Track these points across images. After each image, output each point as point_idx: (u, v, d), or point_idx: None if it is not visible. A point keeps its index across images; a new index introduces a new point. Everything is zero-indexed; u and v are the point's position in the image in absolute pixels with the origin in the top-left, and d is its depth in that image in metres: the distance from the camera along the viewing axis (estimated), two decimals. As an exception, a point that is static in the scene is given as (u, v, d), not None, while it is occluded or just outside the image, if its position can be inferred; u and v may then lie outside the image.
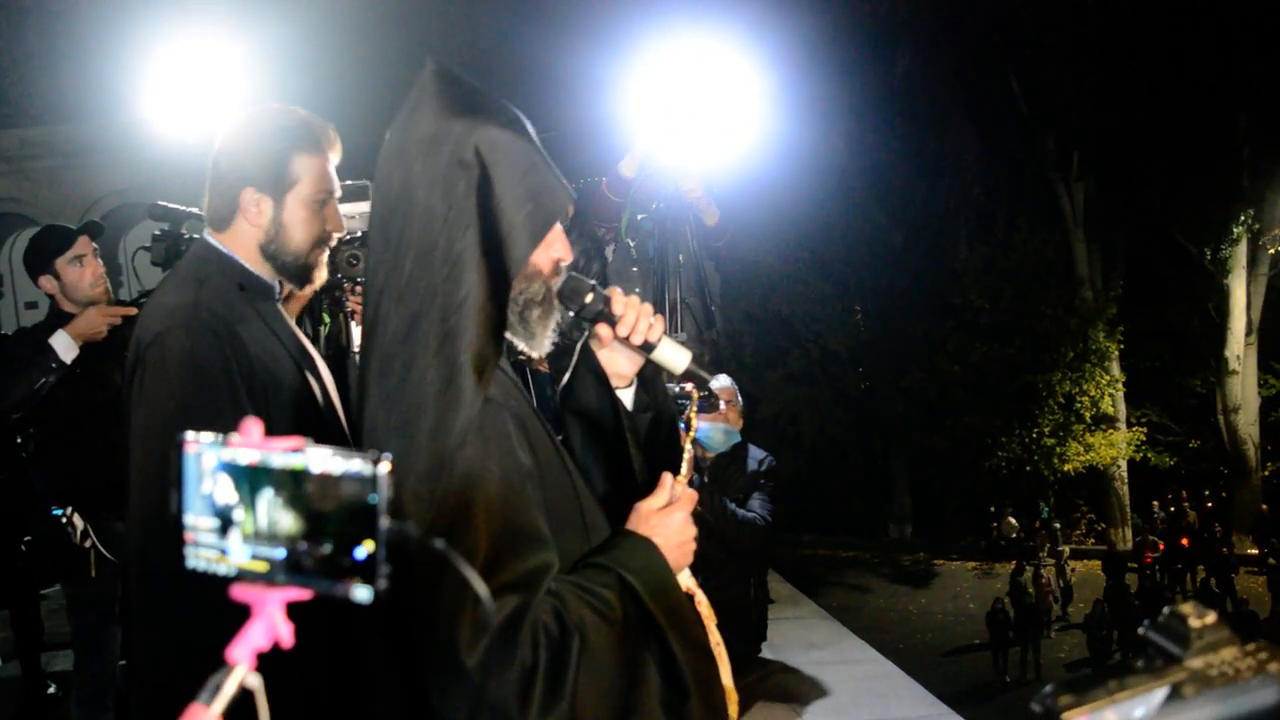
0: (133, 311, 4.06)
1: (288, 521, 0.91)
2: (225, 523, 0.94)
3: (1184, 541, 18.44)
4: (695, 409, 3.94)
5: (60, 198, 18.61)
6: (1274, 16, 17.53)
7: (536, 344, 1.86)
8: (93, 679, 4.26)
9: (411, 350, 1.64)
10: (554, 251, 1.84)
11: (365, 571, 0.89)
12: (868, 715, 4.19)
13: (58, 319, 4.15)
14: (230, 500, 0.93)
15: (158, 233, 3.52)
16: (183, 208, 3.53)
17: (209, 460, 0.95)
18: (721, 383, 4.64)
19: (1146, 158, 19.42)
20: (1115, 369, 21.33)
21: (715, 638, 1.90)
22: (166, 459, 2.22)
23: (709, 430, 4.53)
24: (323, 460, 0.90)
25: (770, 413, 20.59)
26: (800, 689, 4.44)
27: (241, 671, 0.92)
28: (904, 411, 21.94)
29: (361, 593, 0.89)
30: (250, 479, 0.93)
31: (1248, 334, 20.63)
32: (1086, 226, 21.30)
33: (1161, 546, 18.13)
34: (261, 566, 0.92)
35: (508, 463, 1.65)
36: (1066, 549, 18.65)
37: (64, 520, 3.94)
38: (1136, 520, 21.06)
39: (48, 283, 4.28)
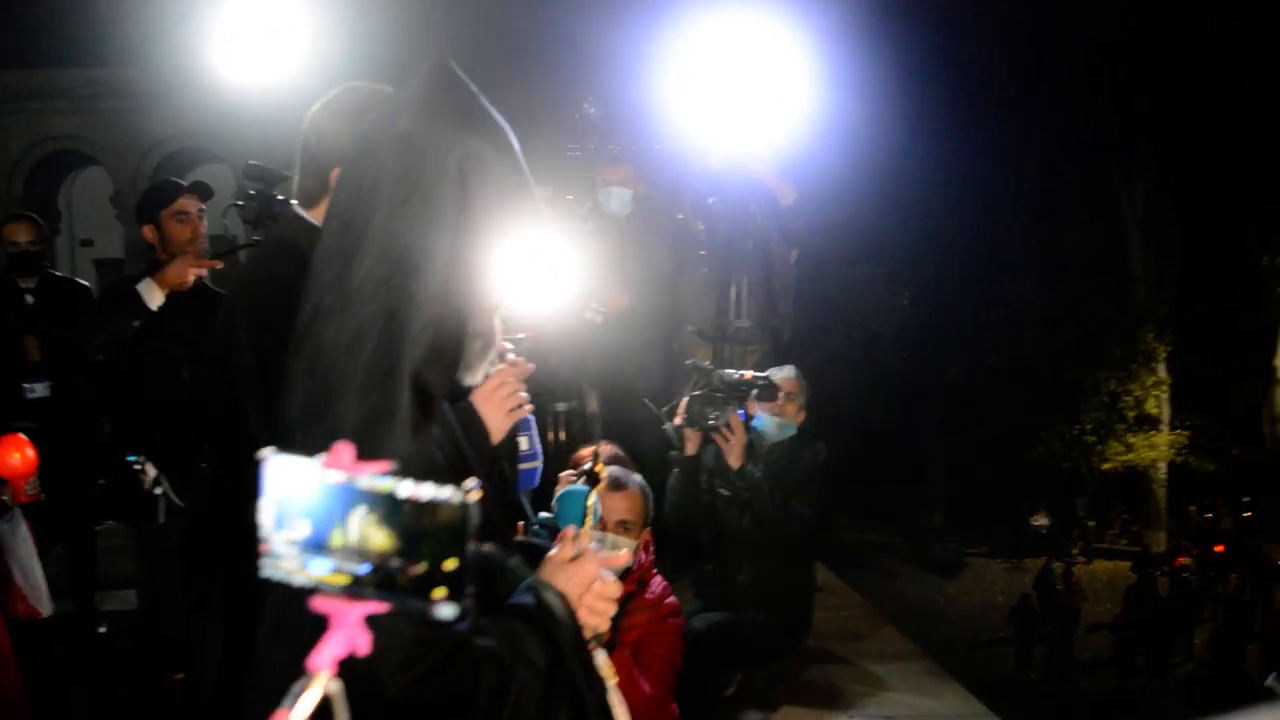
0: (219, 264, 4.17)
1: (372, 540, 0.93)
2: (306, 536, 0.95)
3: (1218, 548, 18.30)
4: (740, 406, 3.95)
5: (122, 138, 18.85)
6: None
7: (471, 375, 1.75)
8: (157, 620, 4.39)
9: (353, 364, 1.53)
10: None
11: (451, 589, 0.92)
12: (907, 711, 4.22)
13: (154, 269, 4.25)
14: (313, 516, 0.95)
15: (252, 192, 3.61)
16: (275, 169, 3.61)
17: (292, 475, 0.97)
18: (784, 374, 4.65)
19: (1210, 159, 19.11)
20: (1162, 370, 21.12)
21: (611, 686, 1.96)
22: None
23: (765, 420, 4.56)
24: (410, 487, 0.93)
25: (810, 393, 20.45)
26: (842, 680, 4.49)
27: (324, 679, 0.95)
28: (944, 399, 21.84)
29: (447, 610, 0.92)
30: (335, 497, 0.95)
31: (1299, 343, 20.36)
32: (1144, 224, 21.04)
33: (1195, 552, 17.99)
34: (343, 580, 0.94)
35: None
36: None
37: (138, 467, 4.04)
38: (1171, 524, 20.90)
39: (150, 232, 4.37)
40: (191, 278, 4.11)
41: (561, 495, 3.02)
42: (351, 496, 0.94)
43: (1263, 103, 18.38)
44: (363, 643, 0.98)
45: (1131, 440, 20.60)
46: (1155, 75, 19.35)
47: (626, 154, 5.38)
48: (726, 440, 4.24)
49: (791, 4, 5.52)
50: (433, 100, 1.63)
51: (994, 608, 17.67)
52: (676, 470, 4.41)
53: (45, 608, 4.16)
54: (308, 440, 1.55)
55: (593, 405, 3.24)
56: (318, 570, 0.94)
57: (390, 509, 0.93)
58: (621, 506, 3.07)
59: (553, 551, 1.86)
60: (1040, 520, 20.43)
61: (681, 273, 5.46)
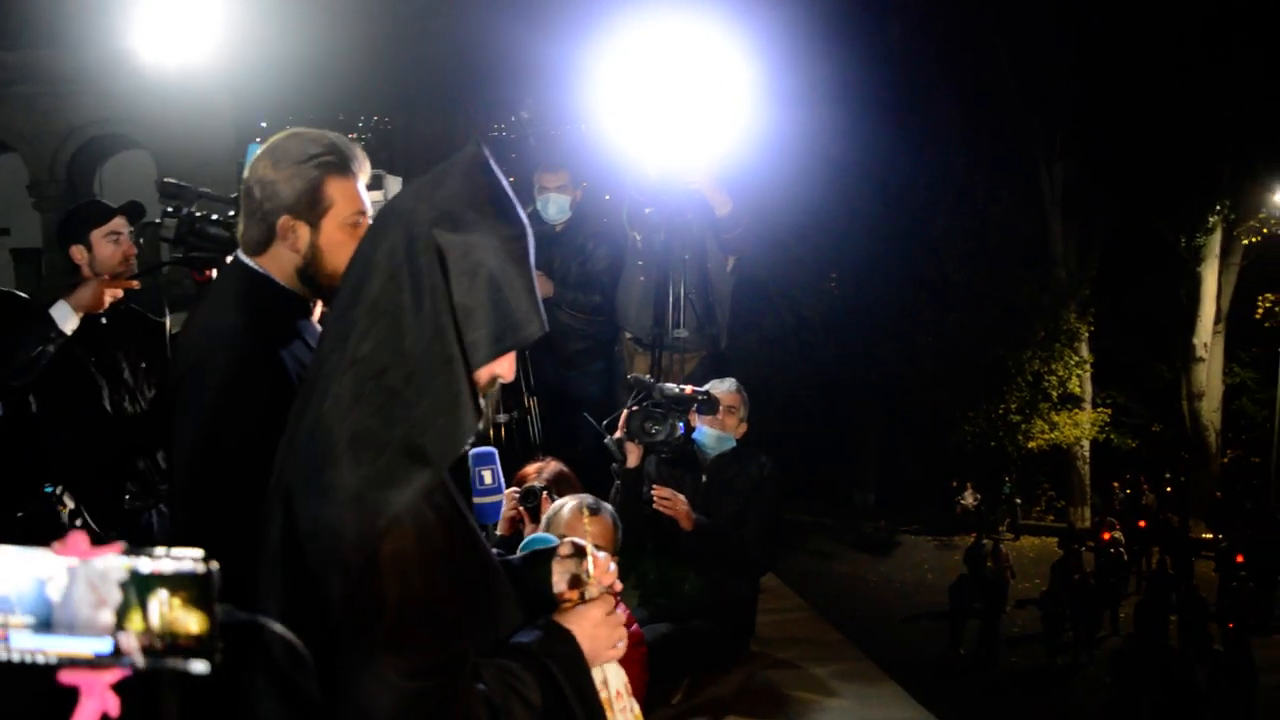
0: (135, 285, 4.00)
1: (116, 612, 0.96)
2: (43, 618, 0.98)
3: (1141, 523, 18.80)
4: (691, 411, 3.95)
5: (37, 124, 18.23)
6: (1262, 12, 17.62)
7: (460, 446, 1.84)
8: None
9: (351, 428, 1.60)
10: (497, 368, 1.76)
11: (200, 647, 0.96)
12: (851, 717, 4.29)
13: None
14: (50, 598, 0.98)
15: (169, 210, 3.48)
16: (191, 185, 3.49)
17: (23, 563, 0.99)
18: (725, 387, 4.65)
19: (1129, 143, 19.52)
20: (1084, 350, 21.61)
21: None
22: (209, 479, 2.22)
23: (704, 433, 4.57)
24: (150, 562, 0.96)
25: (741, 376, 20.54)
26: (786, 685, 4.52)
27: None
28: (874, 380, 22.12)
29: (198, 665, 0.96)
30: (74, 579, 0.97)
31: (1216, 322, 20.95)
32: (1065, 206, 21.46)
33: (1118, 526, 18.45)
34: (86, 654, 0.97)
35: (426, 547, 1.65)
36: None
37: (55, 498, 3.89)
38: (1096, 500, 21.43)
39: (78, 253, 4.18)
40: (108, 300, 3.94)
41: (527, 543, 3.01)
42: (91, 576, 0.97)
43: (1180, 85, 18.79)
44: (113, 708, 1.01)
45: (1055, 419, 21.05)
46: (1075, 60, 19.70)
47: (564, 160, 5.36)
48: (668, 509, 4.26)
49: (723, 12, 5.52)
50: (467, 187, 1.68)
51: (925, 585, 17.97)
52: (618, 483, 4.41)
53: None
54: (306, 495, 1.64)
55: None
56: (59, 648, 0.97)
57: (133, 583, 0.96)
58: (592, 533, 3.06)
59: (575, 605, 1.92)
60: (968, 498, 20.81)
61: (619, 281, 5.45)
